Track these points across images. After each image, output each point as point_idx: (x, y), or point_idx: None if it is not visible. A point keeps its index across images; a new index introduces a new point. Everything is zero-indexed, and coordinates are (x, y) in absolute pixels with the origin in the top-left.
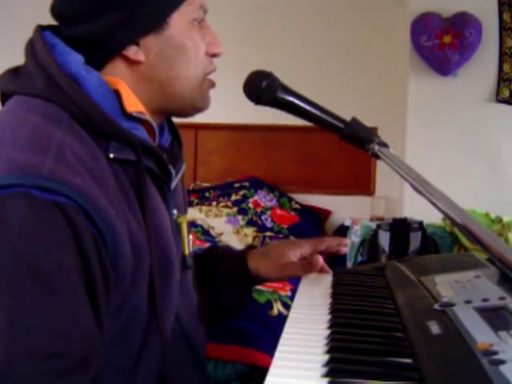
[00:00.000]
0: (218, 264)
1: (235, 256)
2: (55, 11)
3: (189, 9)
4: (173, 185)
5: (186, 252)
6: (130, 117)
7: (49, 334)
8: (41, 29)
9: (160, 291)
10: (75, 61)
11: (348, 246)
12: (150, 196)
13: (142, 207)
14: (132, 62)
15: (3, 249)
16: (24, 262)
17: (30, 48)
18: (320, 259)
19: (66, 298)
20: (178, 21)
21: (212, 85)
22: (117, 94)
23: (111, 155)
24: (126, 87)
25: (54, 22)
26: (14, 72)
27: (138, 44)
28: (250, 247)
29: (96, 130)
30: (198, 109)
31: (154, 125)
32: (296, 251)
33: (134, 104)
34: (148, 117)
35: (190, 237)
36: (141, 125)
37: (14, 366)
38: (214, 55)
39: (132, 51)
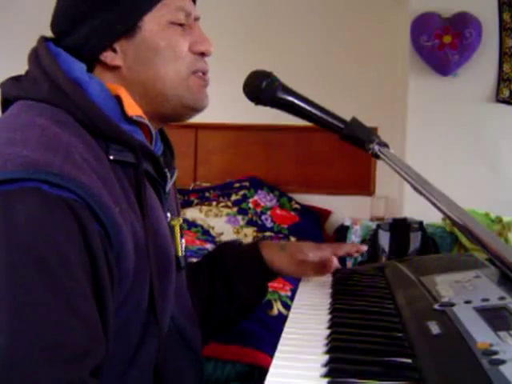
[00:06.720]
0: (230, 258)
1: (248, 247)
2: (51, 28)
3: (163, 11)
4: (167, 188)
5: (180, 253)
6: (130, 120)
7: (50, 325)
8: (43, 40)
9: (159, 288)
10: (79, 68)
11: None
12: (149, 197)
13: (141, 208)
14: (111, 68)
15: (11, 242)
16: (30, 256)
17: (34, 56)
18: (335, 262)
19: (68, 291)
20: (151, 23)
21: (202, 81)
22: (117, 100)
23: (111, 157)
24: (126, 93)
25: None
26: (17, 79)
27: (114, 50)
28: (262, 238)
29: (98, 133)
30: (189, 107)
31: (152, 129)
32: (316, 252)
33: (134, 108)
34: (147, 121)
35: (183, 240)
36: (139, 129)
37: (15, 354)
38: (202, 54)
39: (109, 57)
